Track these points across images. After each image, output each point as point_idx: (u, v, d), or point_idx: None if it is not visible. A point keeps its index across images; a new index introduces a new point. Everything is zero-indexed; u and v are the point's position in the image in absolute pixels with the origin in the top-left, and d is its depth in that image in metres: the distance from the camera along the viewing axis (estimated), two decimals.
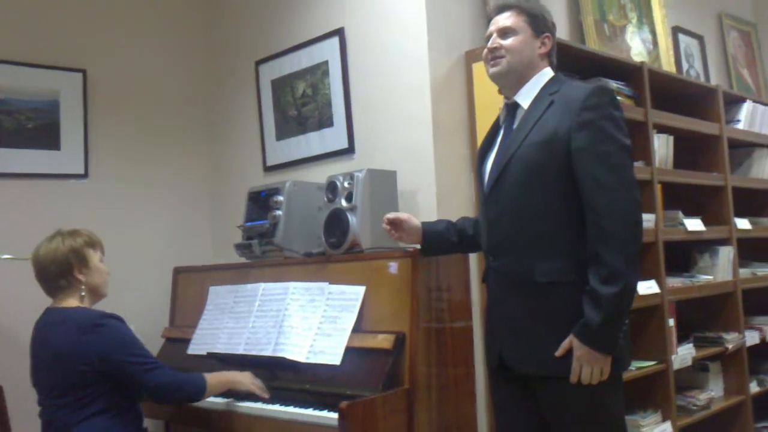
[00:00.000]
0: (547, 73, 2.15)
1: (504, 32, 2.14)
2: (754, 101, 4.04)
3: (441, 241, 2.40)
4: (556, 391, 2.01)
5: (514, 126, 2.12)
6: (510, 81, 2.15)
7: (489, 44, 2.17)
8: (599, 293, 1.88)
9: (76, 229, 2.48)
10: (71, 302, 2.39)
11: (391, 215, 2.39)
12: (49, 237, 2.43)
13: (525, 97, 2.12)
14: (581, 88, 2.03)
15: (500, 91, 2.23)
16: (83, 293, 2.40)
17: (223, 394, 2.56)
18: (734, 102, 3.94)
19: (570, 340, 1.95)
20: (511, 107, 2.16)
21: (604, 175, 1.92)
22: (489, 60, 2.17)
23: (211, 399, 2.53)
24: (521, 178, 2.03)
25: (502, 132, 2.19)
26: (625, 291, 1.90)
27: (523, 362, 2.05)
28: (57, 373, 2.29)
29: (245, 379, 2.51)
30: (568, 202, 1.98)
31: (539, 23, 2.15)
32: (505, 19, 2.15)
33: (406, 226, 2.37)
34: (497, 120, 2.25)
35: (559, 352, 1.97)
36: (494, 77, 2.18)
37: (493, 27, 2.18)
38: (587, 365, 1.93)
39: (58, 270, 2.37)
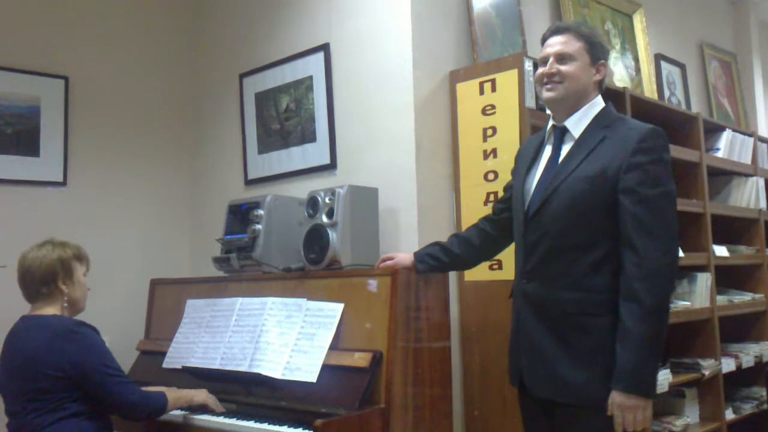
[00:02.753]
0: (598, 103, 2.15)
1: (561, 57, 2.12)
2: (734, 130, 4.09)
3: (432, 264, 2.47)
4: (572, 418, 2.01)
5: (561, 151, 2.13)
6: (563, 107, 2.14)
7: (546, 69, 2.14)
8: (633, 333, 1.88)
9: (66, 241, 2.48)
10: (49, 311, 2.39)
11: (384, 256, 2.55)
12: (39, 244, 2.44)
13: (576, 125, 2.12)
14: (636, 129, 2.05)
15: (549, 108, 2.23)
16: (65, 304, 2.41)
17: (186, 409, 2.55)
18: (714, 130, 3.99)
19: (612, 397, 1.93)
20: (560, 130, 2.16)
21: (646, 216, 1.94)
22: (544, 84, 2.15)
23: (177, 412, 2.52)
24: (565, 208, 2.03)
25: (548, 152, 2.18)
26: (660, 331, 1.91)
27: (540, 386, 2.07)
28: (27, 377, 2.27)
29: (200, 394, 2.54)
30: (608, 237, 2.00)
31: (597, 50, 2.15)
32: (563, 45, 2.13)
33: (398, 264, 2.47)
34: (542, 137, 2.24)
35: (610, 412, 1.93)
36: (549, 102, 2.17)
37: (549, 50, 2.15)
38: (628, 412, 1.90)
39: (42, 277, 2.38)
